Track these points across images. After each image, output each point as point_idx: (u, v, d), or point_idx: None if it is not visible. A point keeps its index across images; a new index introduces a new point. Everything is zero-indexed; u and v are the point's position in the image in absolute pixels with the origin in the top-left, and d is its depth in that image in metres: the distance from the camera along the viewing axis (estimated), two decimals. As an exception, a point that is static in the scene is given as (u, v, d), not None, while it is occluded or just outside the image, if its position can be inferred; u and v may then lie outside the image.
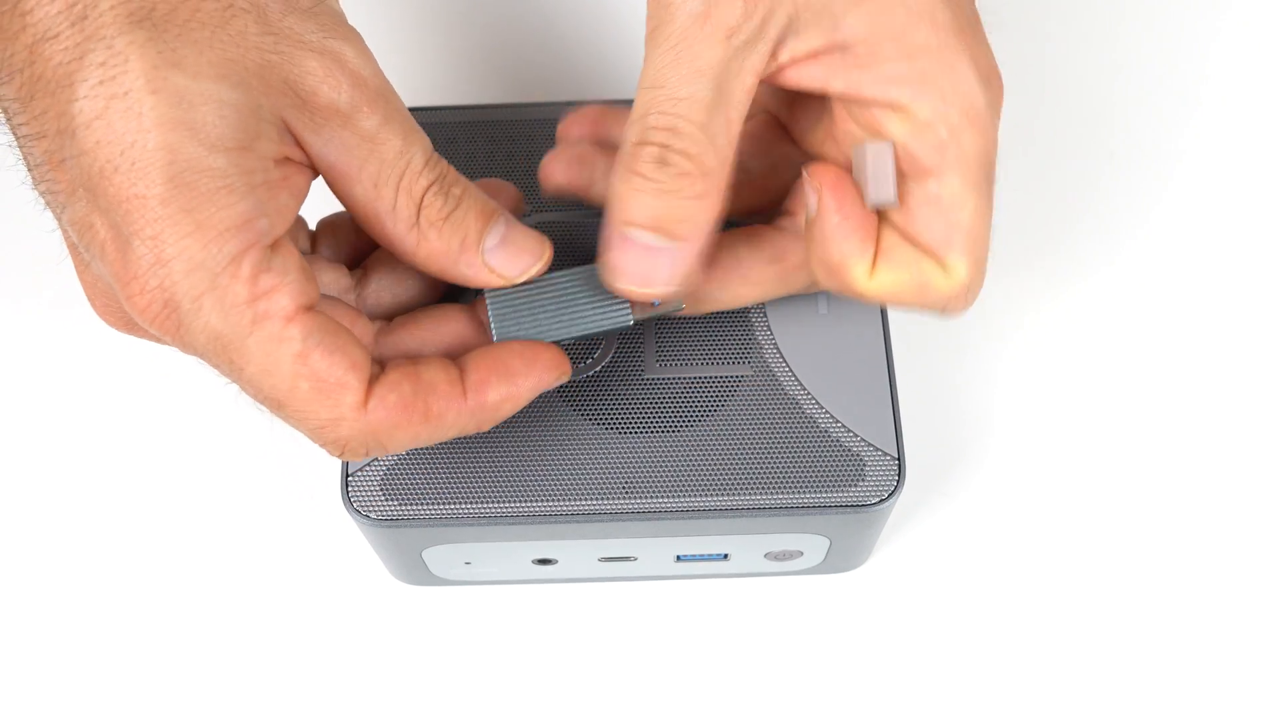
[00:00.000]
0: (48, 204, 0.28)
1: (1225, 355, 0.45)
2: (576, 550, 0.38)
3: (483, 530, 0.35)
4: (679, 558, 0.39)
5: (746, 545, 0.38)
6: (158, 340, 0.29)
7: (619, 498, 0.35)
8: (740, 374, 0.36)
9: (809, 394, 0.36)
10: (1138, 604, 0.42)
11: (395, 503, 0.35)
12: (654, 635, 0.41)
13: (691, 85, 0.28)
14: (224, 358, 0.28)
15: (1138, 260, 0.47)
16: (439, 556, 0.38)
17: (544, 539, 0.36)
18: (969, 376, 0.45)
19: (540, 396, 0.35)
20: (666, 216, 0.29)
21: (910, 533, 0.43)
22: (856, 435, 0.35)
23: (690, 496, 0.35)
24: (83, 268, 0.30)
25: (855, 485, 0.35)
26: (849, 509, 0.35)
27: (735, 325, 0.37)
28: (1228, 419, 0.44)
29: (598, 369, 0.36)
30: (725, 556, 0.39)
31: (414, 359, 0.30)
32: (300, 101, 0.28)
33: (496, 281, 0.31)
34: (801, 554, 0.38)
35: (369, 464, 0.35)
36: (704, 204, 0.29)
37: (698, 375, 0.36)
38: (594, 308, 0.32)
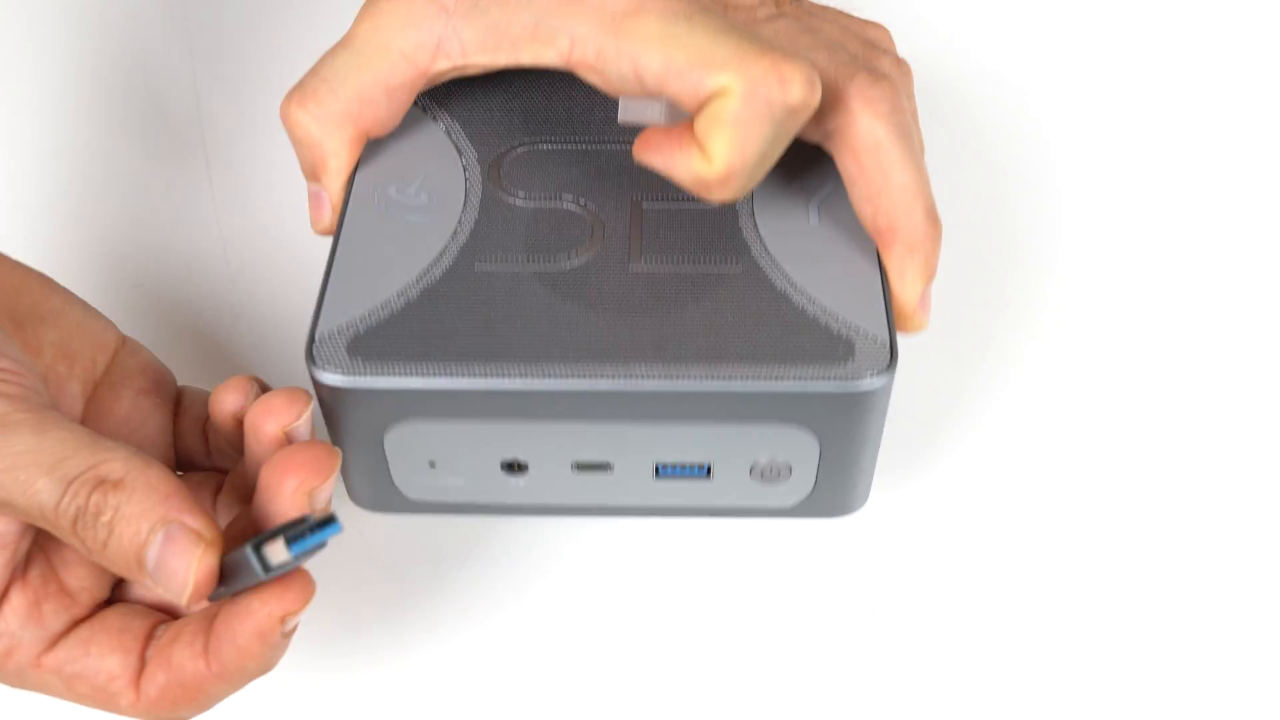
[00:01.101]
0: None
1: (1221, 345, 0.46)
2: (548, 451, 0.36)
3: (452, 401, 0.34)
4: (658, 471, 0.37)
5: (729, 447, 0.36)
6: None
7: (595, 366, 0.34)
8: (727, 269, 0.36)
9: (798, 287, 0.35)
10: (1139, 569, 0.42)
11: (361, 360, 0.34)
12: (634, 580, 0.41)
13: None
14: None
15: (1132, 257, 0.47)
16: (403, 448, 0.36)
17: (514, 418, 0.35)
18: (966, 341, 0.45)
19: (518, 283, 0.35)
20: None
21: (905, 488, 0.42)
22: (847, 321, 0.34)
23: (669, 368, 0.33)
24: None
25: (845, 364, 0.33)
26: (839, 389, 0.33)
27: (724, 228, 0.37)
28: (1221, 403, 0.45)
29: (580, 262, 0.36)
30: (708, 472, 0.37)
31: (176, 633, 0.32)
32: None
33: (167, 597, 0.30)
34: (790, 471, 0.37)
35: (336, 327, 0.34)
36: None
37: (683, 270, 0.36)
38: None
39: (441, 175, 0.38)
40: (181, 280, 0.47)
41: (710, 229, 0.37)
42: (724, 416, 0.34)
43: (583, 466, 0.37)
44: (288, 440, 0.33)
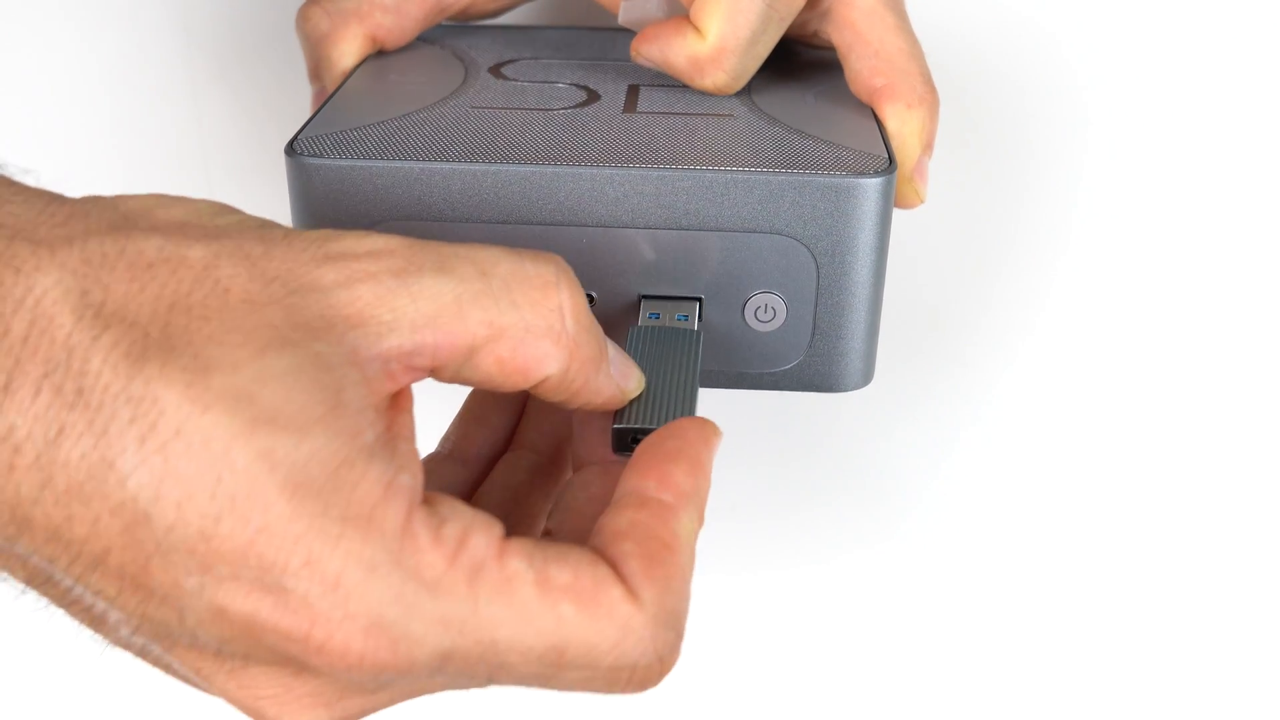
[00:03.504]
0: (151, 641, 0.23)
1: (1222, 340, 0.45)
2: None
3: (430, 190, 0.33)
4: (641, 300, 0.35)
5: (719, 272, 0.34)
6: (382, 701, 0.24)
7: (581, 158, 0.33)
8: (723, 116, 0.36)
9: (793, 127, 0.35)
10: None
11: (343, 150, 0.33)
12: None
13: None
14: (465, 647, 0.22)
15: (1136, 254, 0.47)
16: None
17: (493, 219, 0.33)
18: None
19: (511, 115, 0.35)
20: None
21: (905, 490, 0.42)
22: (843, 145, 0.34)
23: (659, 165, 0.33)
24: (232, 682, 0.24)
25: (839, 164, 0.33)
26: (832, 183, 0.33)
27: (721, 100, 0.37)
28: (1223, 395, 0.44)
29: (569, 108, 0.36)
30: (698, 304, 0.35)
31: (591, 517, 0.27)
32: (363, 325, 0.23)
33: (619, 397, 0.28)
34: (786, 310, 0.35)
35: (323, 133, 0.33)
36: None
37: (678, 115, 0.36)
38: (669, 351, 0.31)
39: (445, 70, 0.39)
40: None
41: (707, 101, 0.37)
42: (713, 220, 0.33)
43: None
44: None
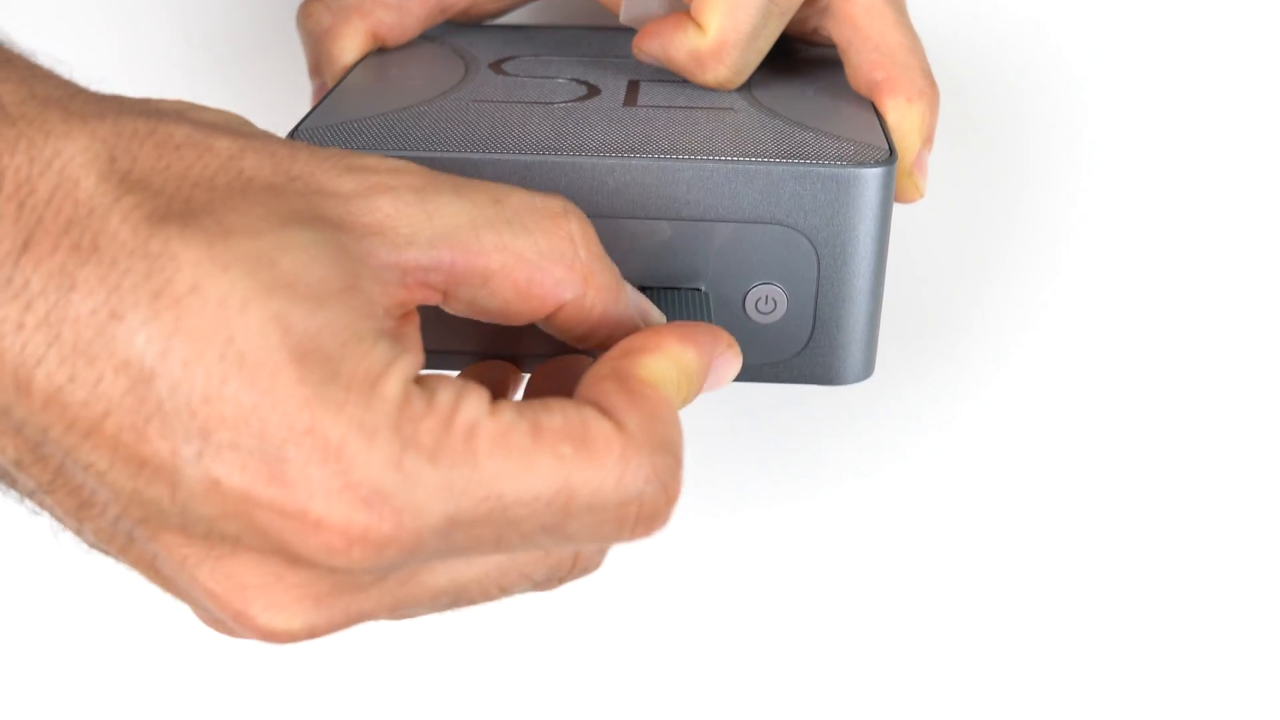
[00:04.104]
0: (138, 525, 0.22)
1: (1223, 342, 0.45)
2: None
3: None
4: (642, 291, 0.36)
5: (720, 261, 0.34)
6: (372, 604, 0.24)
7: (581, 149, 0.33)
8: (723, 109, 0.36)
9: (793, 119, 0.35)
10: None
11: (342, 142, 0.33)
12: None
13: None
14: (470, 508, 0.22)
15: (1137, 254, 0.47)
16: None
17: None
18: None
19: (510, 108, 0.36)
20: None
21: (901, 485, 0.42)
22: (844, 136, 0.34)
23: (659, 155, 0.33)
24: (219, 572, 0.23)
25: (839, 154, 0.33)
26: (832, 173, 0.32)
27: (723, 97, 0.37)
28: (1220, 396, 0.44)
29: (570, 102, 0.36)
30: (702, 293, 0.35)
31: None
32: (381, 234, 0.24)
33: (640, 323, 0.29)
34: (785, 297, 0.35)
35: (321, 125, 0.33)
36: None
37: (678, 108, 0.36)
38: (682, 308, 0.32)
39: (445, 66, 0.39)
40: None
41: (707, 96, 0.37)
42: (714, 210, 0.33)
43: None
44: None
